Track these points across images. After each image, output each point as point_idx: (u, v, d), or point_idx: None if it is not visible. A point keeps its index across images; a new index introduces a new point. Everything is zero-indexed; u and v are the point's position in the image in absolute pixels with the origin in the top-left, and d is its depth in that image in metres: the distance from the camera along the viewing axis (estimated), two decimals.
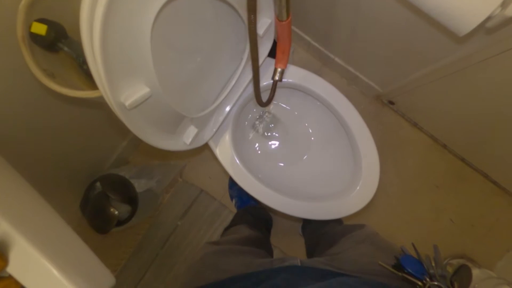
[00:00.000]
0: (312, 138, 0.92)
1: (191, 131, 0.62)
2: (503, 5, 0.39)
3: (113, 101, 0.37)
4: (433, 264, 0.47)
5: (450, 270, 0.48)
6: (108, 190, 0.97)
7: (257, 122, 0.96)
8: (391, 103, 1.17)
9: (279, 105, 0.95)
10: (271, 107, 0.95)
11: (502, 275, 1.12)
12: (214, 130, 0.72)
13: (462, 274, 0.48)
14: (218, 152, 0.78)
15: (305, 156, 0.92)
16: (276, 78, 0.72)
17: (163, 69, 0.46)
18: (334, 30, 0.95)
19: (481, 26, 0.41)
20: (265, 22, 0.61)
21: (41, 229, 0.44)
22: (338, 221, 0.96)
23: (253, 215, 1.05)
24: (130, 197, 1.03)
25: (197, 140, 0.67)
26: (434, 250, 0.52)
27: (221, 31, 0.58)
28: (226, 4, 0.49)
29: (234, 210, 1.22)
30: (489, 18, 0.40)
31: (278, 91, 0.88)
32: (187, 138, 0.62)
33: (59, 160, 0.88)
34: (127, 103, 0.38)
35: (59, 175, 0.93)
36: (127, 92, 0.39)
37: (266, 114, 0.96)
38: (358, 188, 0.76)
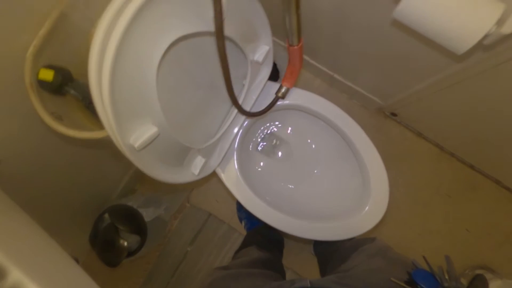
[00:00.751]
0: (319, 158, 0.92)
1: (199, 161, 0.62)
2: (499, 23, 0.40)
3: (122, 144, 0.37)
4: (447, 277, 0.45)
5: (464, 281, 0.47)
6: (116, 221, 0.96)
7: (263, 144, 0.96)
8: (394, 114, 1.17)
9: (284, 126, 0.95)
10: (275, 129, 0.95)
11: None
12: (221, 157, 0.73)
13: (477, 284, 0.46)
14: (224, 178, 0.78)
15: (312, 176, 0.91)
16: (280, 94, 0.73)
17: (168, 106, 0.46)
18: (331, 49, 0.96)
19: (479, 44, 0.41)
20: (264, 49, 0.62)
21: (53, 274, 0.44)
22: None
23: (264, 236, 1.03)
24: (139, 227, 1.02)
25: (205, 170, 0.67)
26: (447, 261, 0.50)
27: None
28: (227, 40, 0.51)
29: (244, 232, 1.21)
30: (486, 36, 0.41)
31: (282, 113, 0.89)
32: (195, 169, 0.62)
33: (67, 196, 0.89)
34: (137, 144, 0.39)
35: (67, 210, 0.93)
36: (135, 134, 0.39)
37: (272, 136, 0.96)
38: (368, 206, 0.74)
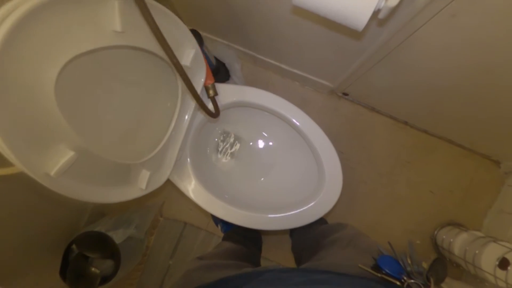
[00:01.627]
0: (275, 150, 0.93)
1: (144, 175, 0.61)
2: None
3: (34, 176, 0.36)
4: (409, 262, 0.47)
5: (425, 265, 0.49)
6: (84, 250, 0.94)
7: (219, 144, 0.96)
8: (346, 94, 1.20)
9: (238, 124, 0.96)
10: (229, 128, 0.96)
11: (490, 231, 1.15)
12: (171, 165, 0.72)
13: (437, 267, 0.48)
14: (182, 186, 0.78)
15: (271, 168, 0.92)
16: (211, 94, 0.74)
17: (90, 126, 0.46)
18: (271, 42, 0.98)
19: (375, 19, 0.43)
20: (190, 52, 0.62)
21: None
22: (321, 221, 0.96)
23: (239, 235, 1.04)
24: (111, 251, 1.00)
25: (154, 182, 0.66)
26: (409, 246, 0.52)
27: (148, 71, 0.59)
28: (142, 50, 0.50)
29: (222, 235, 1.21)
30: (378, 11, 0.43)
31: (233, 112, 0.90)
32: (142, 183, 0.61)
33: (28, 236, 0.85)
34: (52, 173, 0.38)
35: (30, 251, 0.90)
36: (51, 161, 0.38)
37: (227, 134, 0.96)
38: (325, 187, 0.77)
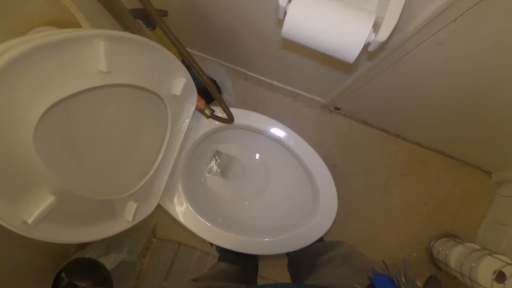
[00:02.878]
0: (269, 171, 0.92)
1: (130, 207, 0.59)
2: (376, 30, 0.41)
3: (9, 226, 0.34)
4: (404, 280, 0.47)
5: (419, 284, 0.49)
6: (74, 279, 0.90)
7: (212, 166, 0.94)
8: (337, 109, 1.21)
9: (231, 144, 0.94)
10: (223, 149, 0.94)
11: (484, 242, 1.15)
12: (160, 194, 0.70)
13: (431, 285, 0.48)
14: (172, 210, 0.76)
15: (267, 190, 0.91)
16: (208, 113, 0.74)
17: (72, 167, 0.44)
18: (262, 62, 0.98)
19: (365, 52, 0.43)
20: (180, 81, 0.61)
21: None
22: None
23: (236, 255, 1.02)
24: (103, 278, 0.96)
25: (141, 212, 0.64)
26: (403, 264, 0.52)
27: (135, 105, 0.57)
28: (128, 86, 0.49)
29: (217, 254, 1.18)
30: (368, 44, 0.43)
31: (227, 133, 0.89)
32: (129, 215, 0.59)
33: (13, 268, 0.82)
34: (30, 220, 0.36)
35: (17, 281, 0.86)
36: (26, 209, 0.36)
37: (221, 155, 0.95)
38: (320, 207, 0.76)
